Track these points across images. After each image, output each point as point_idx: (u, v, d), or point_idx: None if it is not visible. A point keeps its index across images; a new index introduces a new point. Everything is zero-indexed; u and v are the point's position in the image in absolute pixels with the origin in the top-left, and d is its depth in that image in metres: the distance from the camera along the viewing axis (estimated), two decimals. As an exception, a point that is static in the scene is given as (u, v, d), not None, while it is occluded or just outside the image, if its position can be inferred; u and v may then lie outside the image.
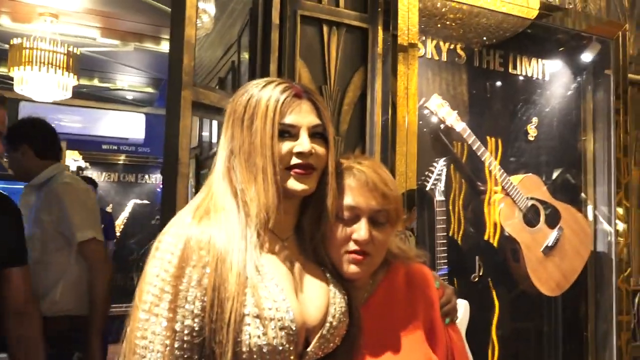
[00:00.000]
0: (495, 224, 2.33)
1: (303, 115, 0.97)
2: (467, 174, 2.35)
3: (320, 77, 1.85)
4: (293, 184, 0.96)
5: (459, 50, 2.35)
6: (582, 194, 2.61)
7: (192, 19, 1.40)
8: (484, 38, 2.47)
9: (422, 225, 2.17)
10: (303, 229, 1.01)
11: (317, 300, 0.97)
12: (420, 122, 2.21)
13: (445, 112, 2.18)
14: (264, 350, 0.87)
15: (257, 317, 0.87)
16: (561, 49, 2.61)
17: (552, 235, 2.36)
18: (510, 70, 2.49)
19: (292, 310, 0.90)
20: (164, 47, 4.01)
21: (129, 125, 6.60)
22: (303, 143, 0.95)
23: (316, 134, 0.99)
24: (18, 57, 3.60)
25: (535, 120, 2.53)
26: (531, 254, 2.31)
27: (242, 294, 0.87)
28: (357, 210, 1.01)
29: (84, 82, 5.08)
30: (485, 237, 2.35)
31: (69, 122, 6.42)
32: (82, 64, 4.10)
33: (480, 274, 2.28)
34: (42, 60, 3.57)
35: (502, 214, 2.28)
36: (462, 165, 2.32)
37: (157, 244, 0.91)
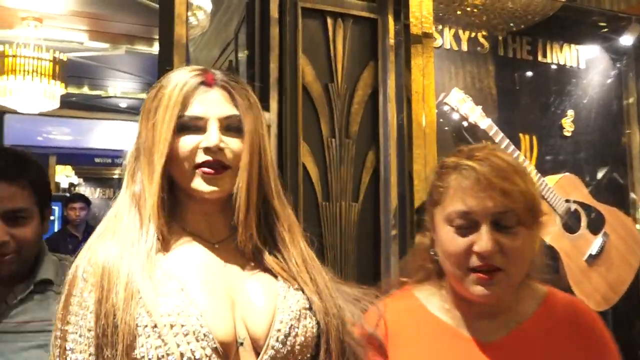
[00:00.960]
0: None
1: (212, 106, 0.94)
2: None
3: (326, 74, 1.87)
4: (199, 185, 0.93)
5: (480, 39, 2.35)
6: (632, 194, 2.58)
7: (182, 16, 1.44)
8: (511, 24, 2.47)
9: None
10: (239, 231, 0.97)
11: (261, 307, 0.93)
12: (441, 120, 2.21)
13: (468, 108, 2.18)
14: None
15: (154, 326, 0.84)
16: (601, 32, 2.60)
17: (596, 242, 2.33)
18: (539, 59, 2.48)
19: (207, 316, 0.87)
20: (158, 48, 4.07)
21: (123, 136, 6.70)
22: (210, 137, 0.91)
23: (231, 126, 0.94)
24: (0, 66, 3.70)
25: (571, 113, 2.51)
26: (573, 264, 2.28)
27: (131, 304, 0.85)
28: (472, 215, 0.90)
29: (72, 90, 5.17)
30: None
31: (58, 134, 6.55)
32: (70, 71, 4.19)
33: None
34: (27, 69, 3.66)
35: (536, 220, 2.26)
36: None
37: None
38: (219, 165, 0.92)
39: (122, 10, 3.67)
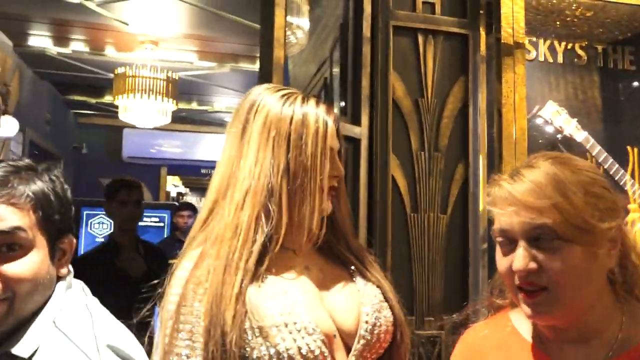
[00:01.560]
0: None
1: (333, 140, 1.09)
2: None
3: (416, 90, 1.92)
4: (328, 205, 1.07)
5: (578, 50, 2.30)
6: None
7: (280, 40, 1.56)
8: (616, 32, 2.40)
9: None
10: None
11: (345, 302, 1.03)
12: (535, 134, 2.19)
13: (562, 121, 2.15)
14: (295, 359, 0.91)
15: (271, 326, 0.92)
16: None
17: None
18: (644, 69, 2.38)
19: (309, 313, 0.96)
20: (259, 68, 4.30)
21: (227, 148, 7.07)
22: (340, 167, 1.08)
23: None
24: (122, 85, 4.09)
25: (679, 124, 2.38)
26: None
27: (242, 315, 0.92)
28: (507, 234, 0.87)
29: (182, 106, 5.58)
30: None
31: (168, 147, 7.04)
32: (181, 88, 4.54)
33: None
34: (144, 88, 4.02)
35: (639, 236, 2.17)
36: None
37: (171, 275, 1.03)
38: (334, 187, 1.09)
39: (227, 32, 3.94)
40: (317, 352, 0.94)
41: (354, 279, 1.09)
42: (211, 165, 7.36)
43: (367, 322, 1.02)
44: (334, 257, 1.11)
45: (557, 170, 0.87)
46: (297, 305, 0.97)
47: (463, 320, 1.19)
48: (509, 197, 0.86)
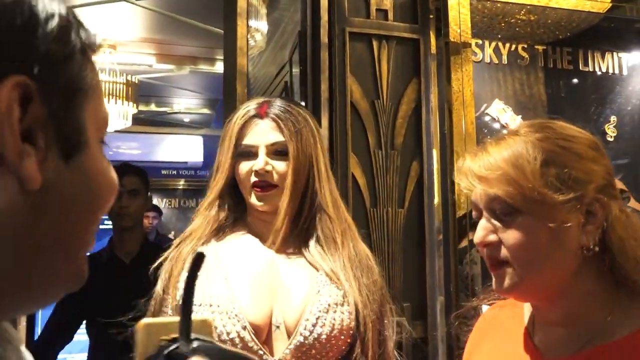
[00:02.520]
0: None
1: (261, 135, 1.14)
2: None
3: (372, 92, 2.04)
4: (253, 201, 1.14)
5: (520, 51, 2.46)
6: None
7: (243, 49, 1.65)
8: (556, 32, 2.57)
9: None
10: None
11: (296, 299, 1.10)
12: (484, 130, 2.34)
13: (508, 118, 2.30)
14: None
15: (199, 305, 1.07)
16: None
17: None
18: (581, 68, 2.57)
19: (241, 300, 1.07)
20: (219, 67, 4.36)
21: (187, 149, 7.08)
22: (258, 162, 1.13)
23: (279, 151, 1.14)
24: (80, 89, 4.07)
25: (613, 119, 2.58)
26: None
27: (174, 286, 1.11)
28: (475, 206, 0.87)
29: (141, 108, 5.56)
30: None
31: (127, 149, 6.98)
32: (140, 91, 4.54)
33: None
34: (103, 92, 4.02)
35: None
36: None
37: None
38: (266, 184, 1.14)
39: (185, 35, 3.98)
40: (233, 335, 1.04)
41: (318, 278, 1.13)
42: (172, 166, 7.34)
43: (307, 319, 1.08)
44: (315, 258, 1.16)
45: (524, 139, 0.84)
46: (228, 291, 1.08)
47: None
48: (468, 171, 0.85)
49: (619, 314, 0.81)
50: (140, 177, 2.30)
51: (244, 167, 1.14)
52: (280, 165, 1.14)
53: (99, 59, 4.17)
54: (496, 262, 0.83)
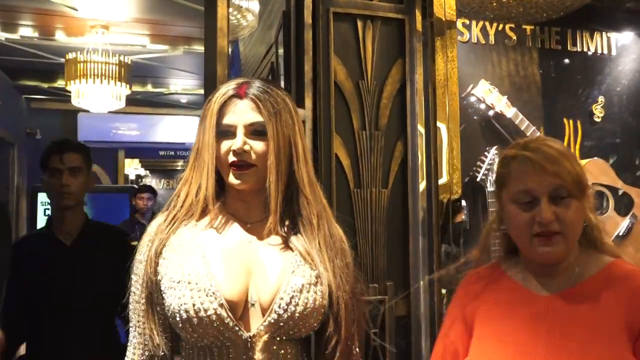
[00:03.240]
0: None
1: (239, 115, 1.15)
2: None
3: (357, 73, 2.03)
4: (231, 179, 1.16)
5: (508, 32, 2.45)
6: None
7: (223, 30, 1.65)
8: (550, 12, 2.55)
9: (476, 218, 2.31)
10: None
11: (271, 278, 1.14)
12: (470, 110, 2.34)
13: (494, 98, 2.30)
14: (190, 314, 1.08)
15: (178, 282, 1.11)
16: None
17: (624, 223, 2.40)
18: (569, 48, 2.56)
19: (218, 278, 1.11)
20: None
21: (185, 130, 7.08)
22: (236, 141, 1.14)
23: (257, 131, 1.15)
24: (73, 70, 4.07)
25: (601, 99, 2.57)
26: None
27: (154, 265, 1.15)
28: (532, 193, 1.16)
29: (137, 89, 5.55)
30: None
31: (126, 130, 7.00)
32: (135, 71, 4.53)
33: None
34: (96, 73, 4.01)
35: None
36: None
37: None
38: (244, 164, 1.15)
39: (179, 15, 3.96)
40: (210, 312, 1.08)
41: (293, 259, 1.16)
42: (170, 147, 7.35)
43: (282, 298, 1.11)
44: (292, 239, 1.19)
45: (558, 145, 1.21)
46: (206, 269, 1.12)
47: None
48: (537, 166, 1.16)
49: (588, 264, 1.21)
50: (82, 153, 2.18)
51: (223, 146, 1.16)
52: (258, 145, 1.15)
53: (91, 40, 4.17)
54: (550, 234, 1.14)
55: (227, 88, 1.18)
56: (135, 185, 6.40)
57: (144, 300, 1.16)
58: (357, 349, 1.24)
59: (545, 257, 1.16)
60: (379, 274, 1.99)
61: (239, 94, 1.17)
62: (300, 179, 1.20)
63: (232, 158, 1.15)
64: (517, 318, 1.20)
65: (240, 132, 1.15)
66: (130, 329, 1.21)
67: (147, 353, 1.18)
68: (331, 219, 1.26)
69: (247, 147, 1.14)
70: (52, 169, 2.09)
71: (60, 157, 2.09)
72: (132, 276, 1.21)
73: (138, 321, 1.19)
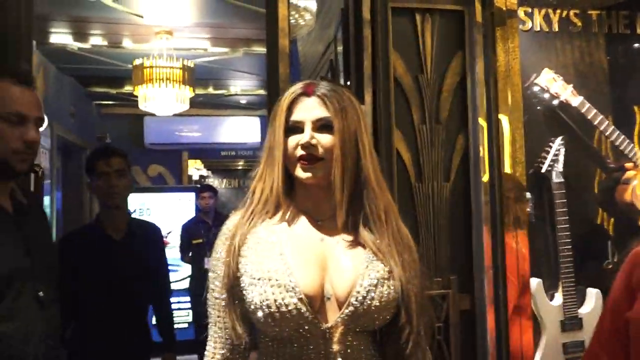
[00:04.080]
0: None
1: (307, 111, 1.20)
2: (594, 152, 2.37)
3: (416, 67, 2.04)
4: (299, 173, 1.20)
5: (572, 18, 2.38)
6: None
7: (284, 30, 1.69)
8: (614, -5, 2.46)
9: (541, 210, 2.26)
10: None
11: (347, 272, 1.18)
12: (533, 101, 2.30)
13: (558, 87, 2.24)
14: (272, 309, 1.12)
15: (259, 279, 1.15)
16: None
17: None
18: (639, 31, 2.45)
19: (296, 274, 1.14)
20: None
21: (245, 130, 7.23)
22: (304, 136, 1.18)
23: (324, 126, 1.19)
24: (140, 76, 4.25)
25: (675, 84, 2.46)
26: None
27: (235, 260, 1.19)
28: None
29: (199, 91, 5.73)
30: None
31: (188, 132, 7.22)
32: (197, 74, 4.68)
33: (615, 260, 2.30)
34: (161, 77, 4.18)
35: (635, 193, 2.27)
36: (587, 144, 2.36)
37: None
38: (312, 158, 1.19)
39: (238, 18, 4.06)
40: (291, 307, 1.12)
41: (365, 254, 1.20)
42: (231, 147, 7.52)
43: (358, 292, 1.15)
44: (362, 234, 1.22)
45: None
46: (285, 266, 1.16)
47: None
48: None
49: None
50: (125, 158, 2.39)
51: (291, 141, 1.20)
52: (325, 139, 1.19)
53: (156, 45, 4.34)
54: None
55: (295, 88, 1.24)
56: (198, 185, 6.60)
57: (224, 295, 1.21)
58: (427, 347, 1.27)
59: None
60: (442, 267, 1.98)
61: (306, 93, 1.22)
62: (367, 174, 1.23)
63: (300, 152, 1.19)
64: None
65: (308, 127, 1.19)
66: (210, 324, 1.26)
67: (227, 347, 1.23)
68: (397, 215, 1.28)
69: (314, 141, 1.18)
70: (100, 172, 2.30)
71: (107, 161, 2.31)
72: (210, 274, 1.25)
73: (218, 316, 1.24)
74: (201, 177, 7.47)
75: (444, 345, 1.96)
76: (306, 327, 1.14)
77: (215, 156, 7.56)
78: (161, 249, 2.69)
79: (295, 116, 1.21)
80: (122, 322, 2.28)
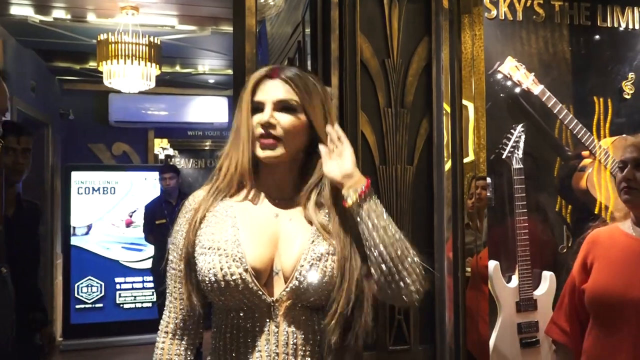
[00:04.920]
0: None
1: (269, 92, 1.24)
2: (554, 140, 2.44)
3: (383, 51, 2.05)
4: (258, 151, 1.24)
5: (536, 8, 2.42)
6: None
7: (252, 9, 1.68)
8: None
9: (500, 195, 2.32)
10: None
11: (295, 248, 1.23)
12: (496, 88, 2.35)
13: (520, 76, 2.30)
14: (218, 277, 1.16)
15: (209, 248, 1.19)
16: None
17: (652, 201, 2.38)
18: (599, 24, 2.52)
19: (244, 246, 1.19)
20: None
21: (213, 110, 7.15)
22: (263, 115, 1.22)
23: (285, 107, 1.23)
24: (105, 51, 4.15)
25: (631, 76, 2.54)
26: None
27: (194, 233, 1.24)
28: (623, 163, 1.77)
29: (166, 69, 5.63)
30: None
31: (155, 110, 7.10)
32: (163, 52, 4.60)
33: (570, 244, 2.38)
34: (127, 54, 4.09)
35: (589, 180, 2.35)
36: (547, 132, 2.42)
37: None
38: (269, 136, 1.22)
39: (206, -4, 4.00)
40: (235, 276, 1.16)
41: (312, 233, 1.25)
42: (198, 127, 7.44)
43: (302, 266, 1.20)
44: (313, 213, 1.27)
45: None
46: (235, 237, 1.20)
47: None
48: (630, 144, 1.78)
49: None
50: (32, 137, 2.48)
51: (254, 120, 1.24)
52: (285, 119, 1.23)
53: (121, 21, 4.24)
54: (629, 189, 1.73)
55: (260, 70, 1.28)
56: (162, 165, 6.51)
57: (181, 266, 1.25)
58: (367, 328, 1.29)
59: (625, 202, 1.78)
60: (403, 249, 2.02)
61: (271, 75, 1.25)
62: None
63: (259, 131, 1.22)
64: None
65: (268, 107, 1.23)
66: (167, 294, 1.31)
67: (181, 317, 1.29)
68: None
69: (273, 121, 1.22)
70: (8, 148, 2.39)
71: (17, 139, 2.43)
72: (170, 245, 1.30)
73: (174, 287, 1.29)
74: (167, 156, 7.38)
75: (404, 325, 2.01)
76: (251, 299, 1.18)
77: (182, 136, 7.47)
78: (37, 224, 2.76)
79: (258, 97, 1.24)
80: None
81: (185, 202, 1.31)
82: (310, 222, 1.26)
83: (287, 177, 1.29)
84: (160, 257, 5.07)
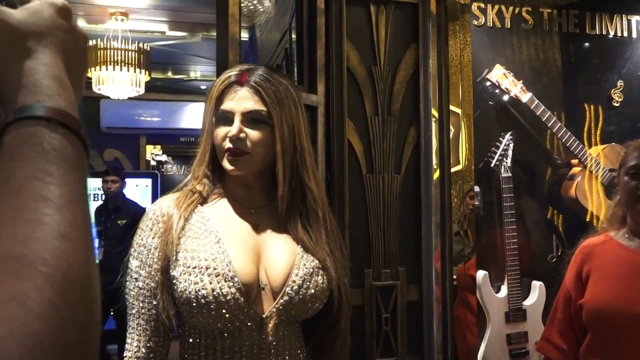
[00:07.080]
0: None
1: (238, 102, 1.15)
2: (543, 148, 2.41)
3: (370, 58, 2.02)
4: (225, 165, 1.16)
5: (524, 15, 2.40)
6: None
7: (235, 16, 1.65)
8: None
9: (489, 203, 2.29)
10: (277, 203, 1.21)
11: (281, 262, 1.16)
12: (485, 96, 2.32)
13: (509, 83, 2.27)
14: (209, 299, 1.07)
15: (194, 267, 1.10)
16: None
17: None
18: (588, 31, 2.50)
19: (234, 263, 1.11)
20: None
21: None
22: (232, 128, 1.14)
23: (255, 120, 1.15)
24: (94, 57, 4.12)
25: (620, 83, 2.52)
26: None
27: (174, 248, 1.13)
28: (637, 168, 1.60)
29: (157, 75, 5.59)
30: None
31: (147, 116, 7.04)
32: (154, 58, 4.57)
33: (559, 254, 2.35)
34: (116, 60, 4.06)
35: (578, 188, 2.33)
36: (537, 140, 2.39)
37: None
38: (239, 151, 1.15)
39: (197, 2, 3.97)
40: (229, 297, 1.08)
41: (298, 248, 1.19)
42: (190, 133, 7.38)
43: (294, 281, 1.14)
44: (296, 228, 1.21)
45: None
46: (223, 255, 1.12)
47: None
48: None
49: None
50: None
51: (220, 132, 1.17)
52: (254, 134, 1.16)
53: (111, 27, 4.21)
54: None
55: (229, 74, 1.19)
56: (156, 171, 6.47)
57: (153, 284, 1.14)
58: (347, 336, 1.28)
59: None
60: (391, 259, 1.99)
61: (239, 81, 1.17)
62: (304, 172, 1.21)
63: (228, 144, 1.15)
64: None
65: (237, 119, 1.15)
66: (132, 317, 1.17)
67: (153, 340, 1.16)
68: (330, 211, 1.29)
69: (242, 135, 1.15)
70: None
71: None
72: (133, 262, 1.18)
73: (142, 307, 1.16)
74: (159, 162, 7.33)
75: (391, 336, 1.97)
76: (241, 318, 1.11)
77: (174, 142, 7.42)
78: None
79: (226, 105, 1.16)
80: None
81: (148, 212, 1.20)
82: (293, 236, 1.21)
83: (257, 186, 1.23)
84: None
